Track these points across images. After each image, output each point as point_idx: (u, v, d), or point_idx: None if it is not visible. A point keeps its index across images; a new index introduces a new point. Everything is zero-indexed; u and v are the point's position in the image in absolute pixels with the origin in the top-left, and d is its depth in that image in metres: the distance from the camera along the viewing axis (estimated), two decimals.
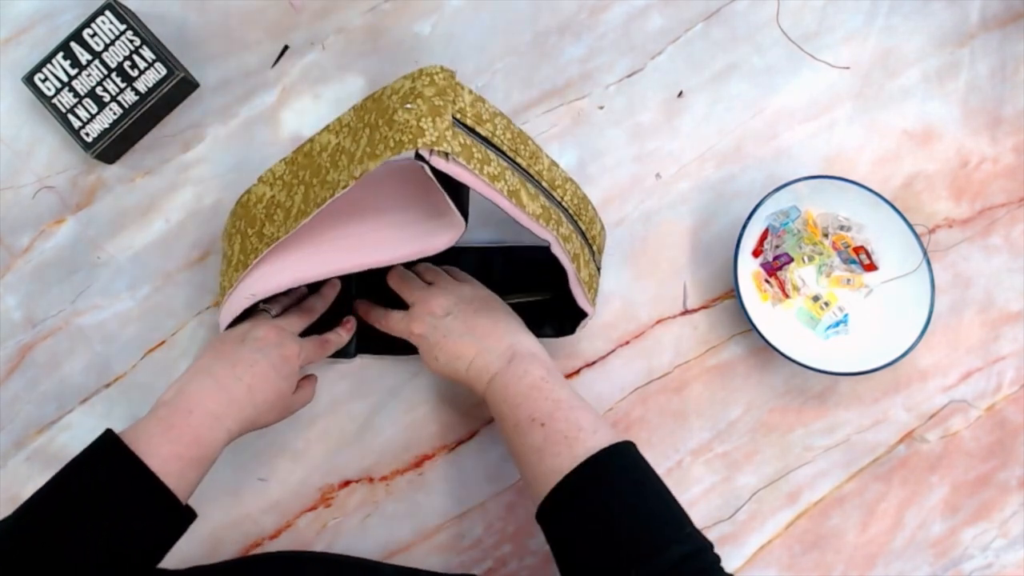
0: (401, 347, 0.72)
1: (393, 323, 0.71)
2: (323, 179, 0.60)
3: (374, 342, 0.75)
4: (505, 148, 0.60)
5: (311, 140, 0.65)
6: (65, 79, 0.75)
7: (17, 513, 0.54)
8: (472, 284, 0.72)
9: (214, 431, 0.59)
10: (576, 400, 0.63)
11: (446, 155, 0.54)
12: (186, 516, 0.58)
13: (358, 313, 0.74)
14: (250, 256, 0.63)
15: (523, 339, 0.68)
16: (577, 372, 0.78)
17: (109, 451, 0.56)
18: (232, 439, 0.62)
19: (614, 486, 0.57)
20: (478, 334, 0.67)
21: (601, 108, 0.80)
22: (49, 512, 0.54)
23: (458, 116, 0.57)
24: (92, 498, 0.54)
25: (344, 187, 0.57)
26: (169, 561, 0.60)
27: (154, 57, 0.75)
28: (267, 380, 0.63)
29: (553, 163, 0.66)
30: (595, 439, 0.58)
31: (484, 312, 0.69)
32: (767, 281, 0.78)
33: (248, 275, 0.64)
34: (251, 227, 0.65)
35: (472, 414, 0.77)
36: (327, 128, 0.64)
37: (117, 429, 0.75)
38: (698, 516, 0.77)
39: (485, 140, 0.58)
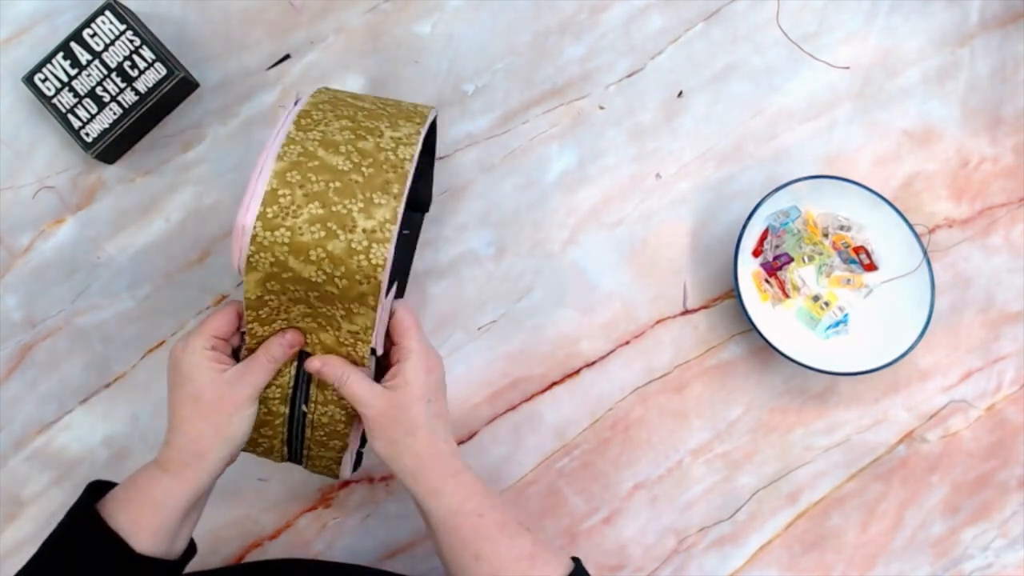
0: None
1: (358, 387, 0.58)
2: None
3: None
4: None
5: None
6: (65, 79, 0.75)
7: None
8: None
9: (168, 492, 0.57)
10: (513, 524, 0.60)
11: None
12: (172, 563, 0.59)
13: (311, 366, 0.59)
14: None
15: (451, 441, 0.61)
16: (577, 372, 0.78)
17: (80, 512, 0.57)
18: (206, 484, 0.59)
19: None
20: (432, 433, 0.59)
21: (601, 108, 0.80)
22: None
23: None
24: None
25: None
26: None
27: (154, 57, 0.75)
28: (208, 433, 0.58)
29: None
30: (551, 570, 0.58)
31: (444, 401, 0.61)
32: (767, 281, 0.78)
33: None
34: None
35: (472, 415, 0.77)
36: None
37: (117, 430, 0.76)
38: (698, 516, 0.77)
39: None
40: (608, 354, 0.78)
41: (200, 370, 0.57)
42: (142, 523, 0.56)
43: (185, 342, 0.58)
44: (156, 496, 0.57)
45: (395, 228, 0.54)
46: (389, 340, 0.61)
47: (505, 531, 0.59)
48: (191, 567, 0.67)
